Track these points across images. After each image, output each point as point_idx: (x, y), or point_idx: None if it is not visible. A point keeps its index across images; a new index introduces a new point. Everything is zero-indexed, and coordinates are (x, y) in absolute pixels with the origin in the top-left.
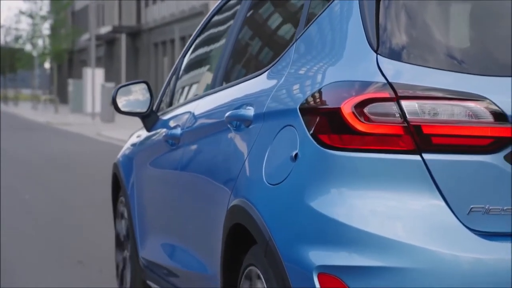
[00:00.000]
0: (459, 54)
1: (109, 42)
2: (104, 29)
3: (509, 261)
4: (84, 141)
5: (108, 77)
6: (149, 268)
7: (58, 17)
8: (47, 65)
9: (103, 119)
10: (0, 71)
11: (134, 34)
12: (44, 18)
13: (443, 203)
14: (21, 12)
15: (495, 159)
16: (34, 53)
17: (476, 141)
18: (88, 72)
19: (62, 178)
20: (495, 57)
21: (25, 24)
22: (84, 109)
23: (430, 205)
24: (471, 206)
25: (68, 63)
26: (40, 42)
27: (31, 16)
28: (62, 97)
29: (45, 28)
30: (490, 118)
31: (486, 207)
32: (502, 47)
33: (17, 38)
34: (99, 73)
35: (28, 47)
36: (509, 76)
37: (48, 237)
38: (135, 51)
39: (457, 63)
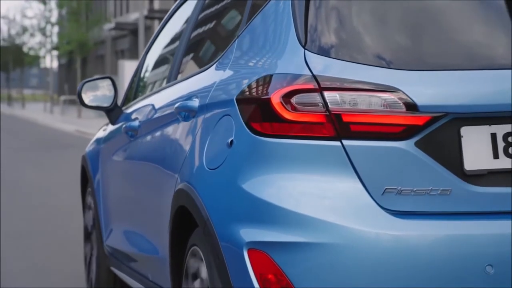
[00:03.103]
0: (378, 51)
1: (135, 31)
2: (132, 16)
3: (417, 237)
4: None
5: None
6: (113, 255)
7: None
8: (54, 63)
9: None
10: (0, 68)
11: None
12: (62, 1)
13: (360, 185)
14: None
15: (407, 145)
16: (47, 46)
17: (390, 128)
18: (126, 65)
19: None
20: (409, 53)
21: (36, 10)
22: None
23: (349, 186)
24: (385, 187)
25: (81, 59)
26: (54, 30)
27: (44, 1)
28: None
29: (59, 14)
30: (403, 108)
31: (399, 188)
32: (414, 43)
33: (24, 30)
34: None
35: (36, 39)
36: (420, 70)
37: None
38: None
39: (376, 59)
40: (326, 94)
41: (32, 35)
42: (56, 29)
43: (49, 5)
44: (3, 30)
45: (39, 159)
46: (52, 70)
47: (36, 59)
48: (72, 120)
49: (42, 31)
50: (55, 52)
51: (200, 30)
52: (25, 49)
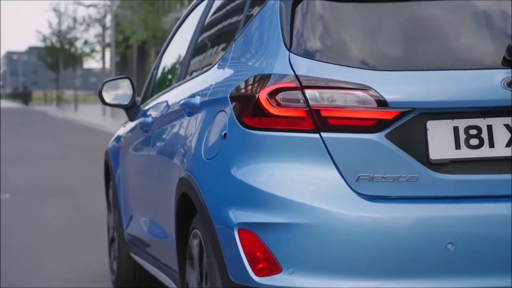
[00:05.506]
0: (353, 53)
1: None
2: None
3: (387, 218)
4: None
5: None
6: (132, 242)
7: None
8: (107, 62)
9: None
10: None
11: None
12: None
13: (336, 172)
14: None
15: (378, 137)
16: (106, 39)
17: (363, 122)
18: None
19: None
20: (381, 54)
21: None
22: None
23: (327, 174)
24: (359, 175)
25: (138, 56)
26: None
27: None
28: None
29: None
30: (374, 104)
31: (371, 175)
32: (386, 46)
33: (79, 22)
34: None
35: (92, 32)
36: (390, 70)
37: None
38: None
39: (352, 60)
40: (307, 91)
41: (88, 25)
42: (118, 18)
43: None
44: (53, 23)
45: None
46: (104, 70)
47: (88, 56)
48: None
49: (101, 21)
50: (107, 49)
51: (205, 35)
52: (78, 44)
